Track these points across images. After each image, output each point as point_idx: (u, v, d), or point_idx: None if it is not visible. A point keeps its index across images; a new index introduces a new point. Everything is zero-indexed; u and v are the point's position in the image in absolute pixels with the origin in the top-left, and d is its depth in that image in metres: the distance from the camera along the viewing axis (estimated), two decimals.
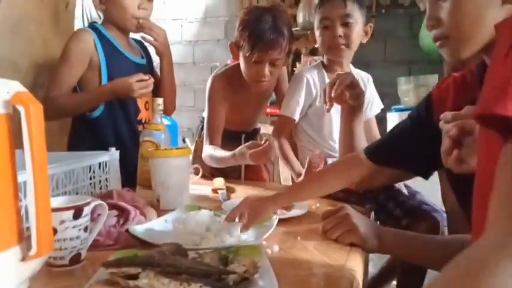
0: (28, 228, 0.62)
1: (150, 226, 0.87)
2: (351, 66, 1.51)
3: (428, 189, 1.23)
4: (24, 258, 0.61)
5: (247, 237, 0.81)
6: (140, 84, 1.39)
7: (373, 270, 1.41)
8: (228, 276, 0.59)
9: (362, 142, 1.15)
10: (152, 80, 1.44)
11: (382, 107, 1.59)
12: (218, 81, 1.55)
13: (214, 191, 1.33)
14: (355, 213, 0.86)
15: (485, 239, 0.36)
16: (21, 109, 0.60)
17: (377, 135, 1.53)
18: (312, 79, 1.43)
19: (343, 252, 0.77)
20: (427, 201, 1.21)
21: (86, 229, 0.71)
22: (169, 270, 0.57)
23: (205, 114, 1.60)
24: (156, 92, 1.55)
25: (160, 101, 1.33)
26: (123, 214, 0.86)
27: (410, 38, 2.93)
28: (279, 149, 1.44)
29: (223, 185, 1.37)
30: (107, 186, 1.16)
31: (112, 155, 1.18)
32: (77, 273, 0.69)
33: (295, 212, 0.99)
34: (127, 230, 0.83)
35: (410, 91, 2.68)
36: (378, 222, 1.17)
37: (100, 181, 1.13)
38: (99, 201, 0.75)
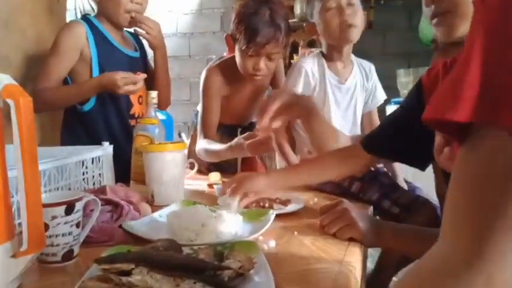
0: (20, 224, 0.62)
1: (144, 222, 0.87)
2: (353, 56, 1.51)
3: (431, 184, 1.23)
4: (15, 255, 0.61)
5: (243, 232, 0.82)
6: (126, 81, 1.37)
7: (371, 265, 1.42)
8: (223, 272, 0.59)
9: (330, 141, 1.10)
10: (142, 77, 1.42)
11: (385, 97, 1.58)
12: (213, 73, 1.55)
13: (210, 186, 1.33)
14: (353, 208, 0.87)
15: (434, 256, 0.36)
16: (11, 103, 0.60)
17: None
18: (311, 69, 1.43)
19: (342, 247, 0.77)
20: (424, 195, 1.21)
21: (78, 225, 0.71)
22: (162, 266, 0.57)
23: (199, 107, 1.60)
24: (150, 86, 1.54)
25: (154, 94, 1.32)
26: (116, 210, 0.86)
27: (409, 30, 2.93)
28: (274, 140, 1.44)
29: (219, 179, 1.38)
30: (100, 181, 1.15)
31: (105, 150, 1.18)
32: (69, 269, 0.69)
33: (292, 207, 1.00)
34: (120, 226, 0.83)
35: (409, 83, 2.68)
36: (377, 217, 1.18)
37: (93, 176, 1.13)
38: (92, 197, 0.74)
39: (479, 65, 0.34)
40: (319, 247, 0.76)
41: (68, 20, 1.82)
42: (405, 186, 1.30)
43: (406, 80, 2.70)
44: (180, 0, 3.57)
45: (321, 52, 1.48)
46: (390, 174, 1.32)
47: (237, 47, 1.43)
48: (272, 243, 0.77)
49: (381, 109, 1.62)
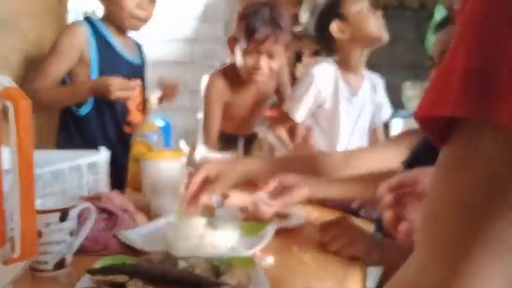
0: (11, 230, 0.62)
1: (140, 232, 0.87)
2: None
3: None
4: (6, 262, 0.61)
5: (241, 246, 0.81)
6: (119, 86, 1.37)
7: (370, 284, 1.41)
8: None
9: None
10: (136, 84, 1.42)
11: (390, 114, 1.59)
12: (216, 79, 1.59)
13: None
14: (356, 225, 0.86)
15: (405, 272, 0.34)
16: (9, 105, 0.60)
17: None
18: (324, 79, 1.44)
19: (342, 265, 0.77)
20: None
21: (72, 233, 0.71)
22: (158, 280, 0.57)
23: (199, 115, 1.62)
24: None
25: (153, 100, 1.33)
26: (111, 218, 0.86)
27: (417, 41, 2.94)
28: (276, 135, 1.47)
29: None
30: (95, 188, 1.15)
31: (102, 155, 1.18)
32: (61, 279, 0.69)
33: (291, 222, 0.99)
34: (115, 235, 0.83)
35: (416, 97, 2.69)
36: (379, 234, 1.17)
37: (88, 182, 1.13)
38: (87, 204, 0.75)
39: (465, 52, 0.31)
40: (319, 264, 0.76)
41: (69, 21, 1.83)
42: None
43: (412, 94, 2.71)
44: (183, 5, 3.59)
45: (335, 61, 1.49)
46: None
47: (238, 48, 1.47)
48: (270, 260, 0.77)
49: (385, 124, 1.63)
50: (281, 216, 1.01)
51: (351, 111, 1.48)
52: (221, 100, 1.58)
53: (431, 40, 2.47)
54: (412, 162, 0.96)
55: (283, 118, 1.51)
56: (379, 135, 1.56)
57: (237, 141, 1.64)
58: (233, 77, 1.56)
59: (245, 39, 1.43)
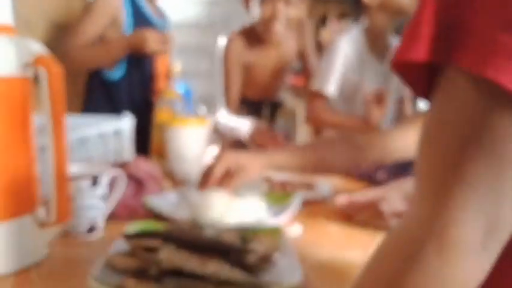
0: (47, 195, 0.65)
1: (166, 199, 0.91)
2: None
3: None
4: (43, 225, 0.64)
5: (267, 216, 0.84)
6: (155, 38, 1.41)
7: None
8: (248, 254, 0.62)
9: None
10: (172, 37, 1.45)
11: None
12: (234, 39, 1.61)
13: None
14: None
15: (408, 223, 0.36)
16: (43, 73, 0.63)
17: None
18: (350, 48, 1.43)
19: (368, 235, 0.79)
20: None
21: (103, 198, 0.75)
22: (189, 245, 0.60)
23: (219, 78, 1.65)
24: None
25: (177, 66, 1.35)
26: (139, 184, 0.89)
27: None
28: (324, 125, 1.46)
29: None
30: (120, 154, 1.19)
31: (127, 122, 1.21)
32: (94, 243, 0.73)
33: (317, 193, 1.01)
34: (143, 201, 0.86)
35: None
36: None
37: (113, 148, 1.17)
38: (118, 170, 0.78)
39: (433, 2, 0.35)
40: (346, 235, 0.79)
41: None
42: None
43: None
44: None
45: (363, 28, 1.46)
46: None
47: (252, 1, 1.48)
48: (298, 229, 0.80)
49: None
50: (308, 186, 1.04)
51: (376, 81, 1.47)
52: (240, 61, 1.59)
53: None
54: None
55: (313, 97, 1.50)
56: (407, 107, 1.56)
57: (262, 108, 1.65)
58: (252, 37, 1.58)
59: None
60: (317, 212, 0.91)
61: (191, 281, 0.56)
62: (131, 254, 0.60)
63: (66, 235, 0.73)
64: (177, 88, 1.39)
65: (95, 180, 0.73)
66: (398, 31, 1.55)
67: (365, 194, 0.84)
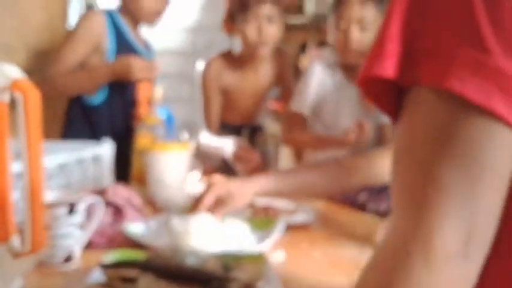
0: (21, 223, 0.62)
1: (147, 226, 0.88)
2: None
3: None
4: (17, 255, 0.61)
5: (250, 242, 0.82)
6: (140, 65, 1.39)
7: None
8: (230, 283, 0.60)
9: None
10: (157, 65, 1.45)
11: None
12: (212, 63, 1.62)
13: None
14: None
15: (391, 236, 0.36)
16: (19, 97, 0.61)
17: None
18: (325, 72, 1.44)
19: (352, 261, 0.78)
20: None
21: (80, 226, 0.72)
22: (169, 275, 0.58)
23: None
24: None
25: (158, 91, 1.34)
26: (118, 212, 0.87)
27: None
28: (300, 144, 1.47)
29: None
30: (99, 180, 1.16)
31: (107, 147, 1.19)
32: (70, 272, 0.70)
33: (300, 217, 1.00)
34: (121, 229, 0.84)
35: None
36: None
37: (92, 175, 1.14)
38: (96, 198, 0.75)
39: (399, 23, 0.36)
40: (331, 260, 0.77)
41: (70, 8, 1.83)
42: None
43: None
44: (180, 16, 3.57)
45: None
46: None
47: (236, 24, 1.50)
48: (281, 255, 0.78)
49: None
50: (290, 211, 1.02)
51: (354, 104, 1.48)
52: (218, 84, 1.61)
53: None
54: None
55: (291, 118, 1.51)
56: (387, 131, 1.56)
57: (241, 133, 1.65)
58: (230, 61, 1.60)
59: (242, 10, 1.45)
60: (300, 237, 0.89)
61: None
62: (108, 284, 0.57)
63: (42, 265, 0.70)
64: (159, 114, 1.38)
65: (71, 208, 0.70)
66: None
67: None
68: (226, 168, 1.50)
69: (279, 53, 1.65)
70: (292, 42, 3.09)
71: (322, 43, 2.91)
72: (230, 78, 1.61)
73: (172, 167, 1.12)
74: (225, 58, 1.63)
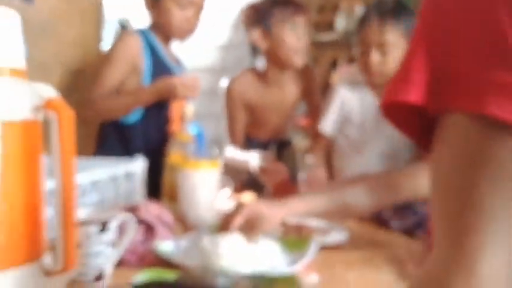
0: (53, 241, 0.62)
1: (177, 244, 0.87)
2: None
3: None
4: (49, 273, 0.61)
5: (282, 263, 0.80)
6: (184, 84, 1.41)
7: None
8: None
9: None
10: (199, 82, 1.46)
11: None
12: (236, 80, 1.64)
13: None
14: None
15: (432, 265, 0.35)
16: (53, 116, 0.61)
17: None
18: (348, 91, 1.44)
19: (389, 283, 0.74)
20: None
21: (112, 244, 0.71)
22: None
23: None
24: None
25: (189, 108, 1.34)
26: (149, 230, 0.86)
27: None
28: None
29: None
30: (131, 197, 1.16)
31: (138, 164, 1.19)
32: None
33: (334, 237, 0.96)
34: (152, 247, 0.82)
35: None
36: None
37: (124, 191, 1.14)
38: (128, 215, 0.74)
39: (423, 51, 0.36)
40: (366, 284, 0.74)
41: (104, 26, 1.87)
42: None
43: None
44: (217, 12, 3.62)
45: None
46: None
47: (273, 32, 1.50)
48: (314, 278, 0.75)
49: None
50: (323, 231, 0.99)
51: (381, 125, 1.45)
52: (243, 101, 1.62)
53: None
54: None
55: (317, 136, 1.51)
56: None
57: (268, 148, 1.63)
58: (255, 78, 1.61)
59: (283, 11, 1.48)
60: (334, 258, 0.86)
61: None
62: None
63: (73, 283, 0.69)
64: (190, 130, 1.38)
65: (103, 226, 0.69)
66: None
67: None
68: (253, 182, 1.49)
69: (305, 69, 1.65)
70: (323, 59, 3.08)
71: (352, 59, 2.88)
72: (255, 94, 1.62)
73: (203, 185, 1.11)
74: (250, 74, 1.64)
